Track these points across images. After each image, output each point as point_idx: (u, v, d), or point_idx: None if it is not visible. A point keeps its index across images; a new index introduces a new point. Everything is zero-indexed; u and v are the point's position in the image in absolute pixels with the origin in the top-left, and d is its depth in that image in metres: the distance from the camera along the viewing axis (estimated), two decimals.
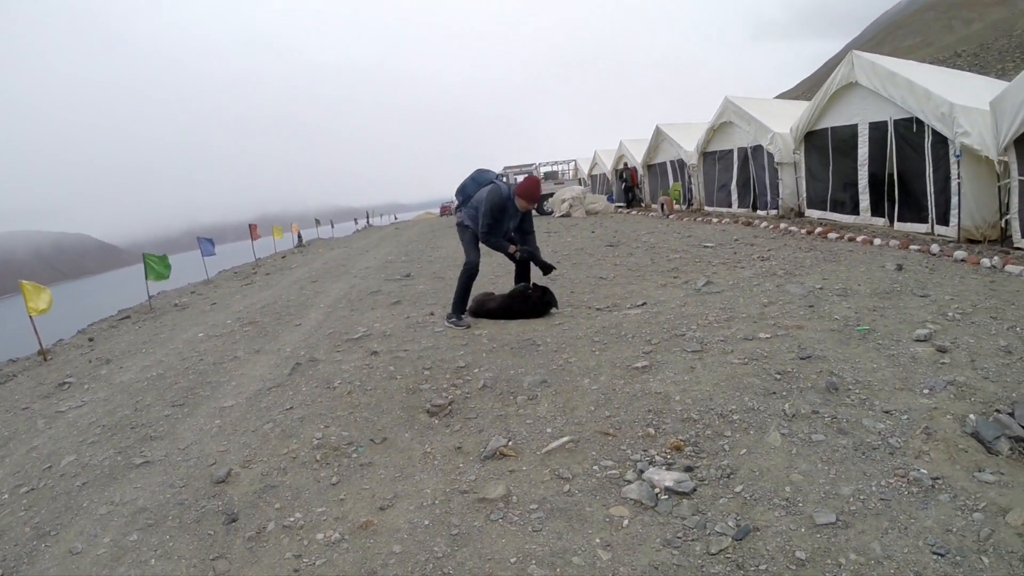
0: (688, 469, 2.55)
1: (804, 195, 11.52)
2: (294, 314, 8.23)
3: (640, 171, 21.04)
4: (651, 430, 2.94)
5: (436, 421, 3.51)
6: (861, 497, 2.21)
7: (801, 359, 3.56)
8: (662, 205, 16.78)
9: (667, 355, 3.97)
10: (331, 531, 2.58)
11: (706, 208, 15.99)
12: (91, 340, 10.12)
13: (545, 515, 2.41)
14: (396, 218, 64.28)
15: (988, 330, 3.85)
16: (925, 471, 2.30)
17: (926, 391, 2.97)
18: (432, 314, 6.48)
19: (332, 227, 42.32)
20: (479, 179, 5.83)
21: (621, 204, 22.01)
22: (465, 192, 5.86)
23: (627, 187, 20.75)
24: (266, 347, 6.47)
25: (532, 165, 24.93)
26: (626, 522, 2.29)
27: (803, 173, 11.44)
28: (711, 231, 10.91)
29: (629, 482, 2.55)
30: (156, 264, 12.54)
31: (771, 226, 10.47)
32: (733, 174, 14.30)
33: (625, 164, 20.95)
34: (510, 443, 3.03)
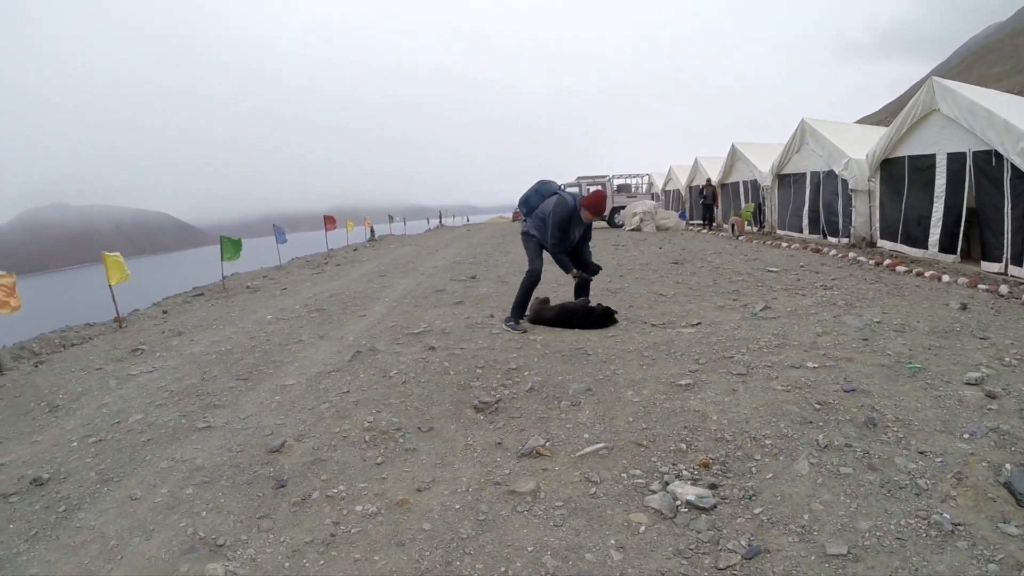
0: (712, 487, 2.71)
1: (877, 225, 11.23)
2: (360, 305, 8.76)
3: (717, 191, 20.95)
4: (683, 445, 3.11)
5: (481, 417, 3.80)
6: (878, 534, 2.32)
7: (845, 391, 3.63)
8: (732, 226, 16.77)
9: (712, 375, 4.11)
10: (370, 504, 2.91)
11: (778, 232, 15.80)
12: (165, 312, 11.05)
13: (568, 513, 2.65)
14: (468, 220, 65.75)
15: None
16: (948, 516, 2.38)
17: (966, 435, 2.98)
18: (492, 316, 6.81)
19: (404, 224, 43.80)
20: (542, 191, 6.13)
21: (696, 222, 21.88)
22: (529, 203, 6.17)
23: (707, 204, 20.28)
24: (330, 334, 6.97)
25: (606, 176, 25.09)
26: (643, 528, 2.50)
27: (877, 202, 11.18)
28: (778, 256, 10.83)
29: (653, 492, 2.74)
30: (231, 246, 13.54)
31: (840, 255, 10.33)
32: (806, 199, 14.14)
33: (708, 180, 20.71)
34: (547, 443, 3.27)
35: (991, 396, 3.44)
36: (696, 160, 23.09)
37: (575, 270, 6.04)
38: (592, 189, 23.96)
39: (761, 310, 5.82)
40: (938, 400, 3.48)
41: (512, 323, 6.09)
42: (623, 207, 23.08)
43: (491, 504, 2.78)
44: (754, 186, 17.61)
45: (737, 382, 3.92)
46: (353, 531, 2.72)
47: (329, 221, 22.46)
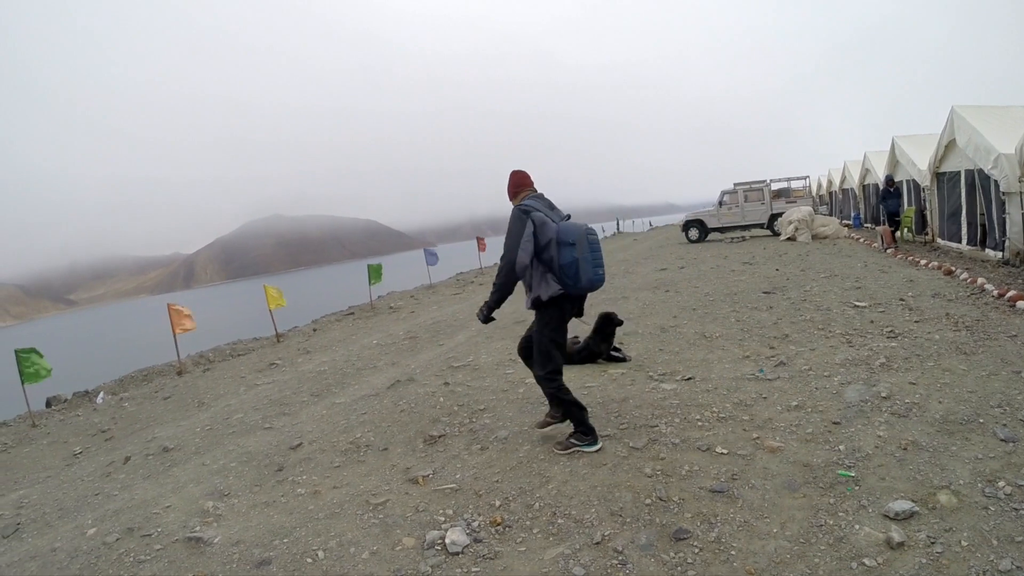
0: (477, 540, 3.58)
1: None
2: (447, 335, 10.77)
3: (881, 188, 19.93)
4: (497, 502, 4.02)
5: (422, 446, 5.33)
6: None
7: (711, 491, 3.75)
8: (881, 236, 15.84)
9: (610, 442, 4.71)
10: (302, 489, 4.79)
11: (938, 241, 14.76)
12: (315, 330, 14.18)
13: (378, 521, 4.13)
14: (651, 224, 65.37)
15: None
16: None
17: None
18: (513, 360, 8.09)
19: None
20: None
21: (868, 225, 20.97)
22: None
23: (890, 208, 17.73)
24: (400, 362, 9.05)
25: (763, 182, 24.86)
26: (399, 548, 3.88)
27: None
28: (901, 279, 10.33)
29: (438, 528, 3.78)
30: (375, 272, 16.54)
31: (971, 279, 9.55)
32: (962, 202, 13.07)
33: (889, 177, 19.33)
34: (430, 475, 4.67)
35: (895, 547, 3.02)
36: (866, 155, 22.17)
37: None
38: (746, 194, 23.94)
39: (775, 366, 6.12)
40: (814, 530, 3.27)
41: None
42: (781, 214, 22.85)
43: (353, 506, 4.32)
44: (916, 187, 16.61)
45: (620, 455, 4.42)
46: (283, 500, 4.66)
47: (481, 243, 25.31)
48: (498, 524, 3.79)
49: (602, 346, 7.19)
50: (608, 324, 7.19)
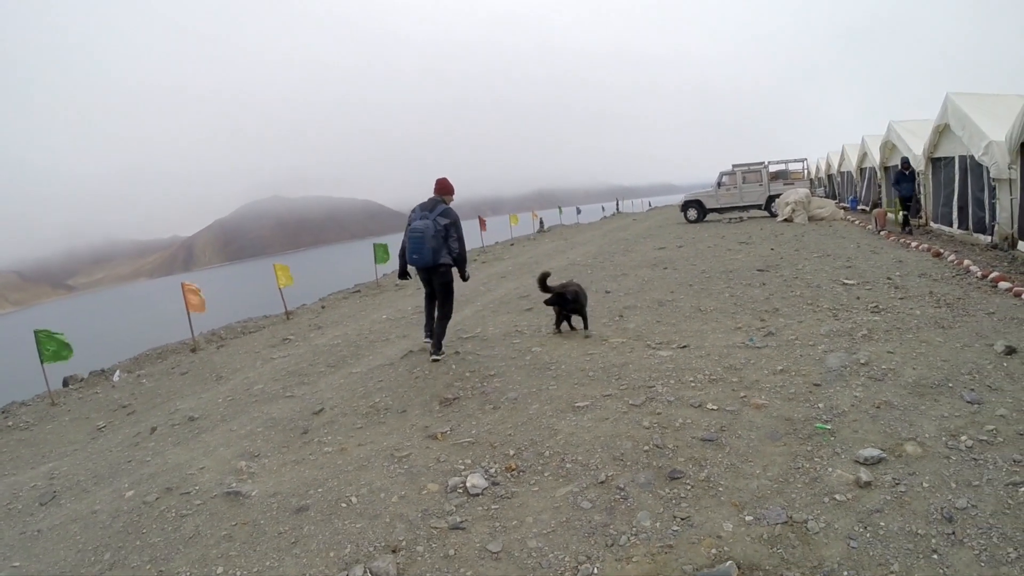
0: (495, 483, 4.11)
1: (1017, 222, 10.54)
2: (455, 308, 11.12)
3: (879, 174, 20.27)
4: (511, 451, 4.51)
5: (438, 407, 5.82)
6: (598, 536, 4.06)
7: (703, 440, 4.20)
8: (875, 218, 16.36)
9: (612, 402, 5.17)
10: (329, 448, 5.23)
11: (931, 225, 15.19)
12: (323, 308, 14.60)
13: (402, 471, 4.62)
14: (651, 205, 66.02)
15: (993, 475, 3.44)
16: None
17: (749, 519, 3.30)
18: (539, 331, 8.46)
19: (578, 213, 46.25)
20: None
21: (863, 208, 21.35)
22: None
23: (903, 193, 16.76)
24: (411, 334, 9.46)
25: (761, 163, 25.29)
26: (425, 492, 4.38)
27: (1018, 193, 10.41)
28: (886, 261, 10.70)
29: (458, 475, 4.26)
30: (382, 251, 16.96)
31: (958, 261, 10.00)
32: (955, 188, 13.54)
33: (905, 159, 18.52)
34: (448, 431, 5.15)
35: (863, 485, 3.43)
36: (863, 139, 22.64)
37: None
38: (746, 176, 24.70)
39: (764, 336, 6.59)
40: (792, 472, 3.67)
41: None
42: (778, 195, 23.32)
43: (379, 459, 4.79)
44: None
45: (621, 411, 4.88)
46: (312, 458, 5.09)
47: (481, 223, 25.73)
48: (513, 470, 4.26)
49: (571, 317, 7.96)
50: (561, 300, 7.78)
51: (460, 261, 7.19)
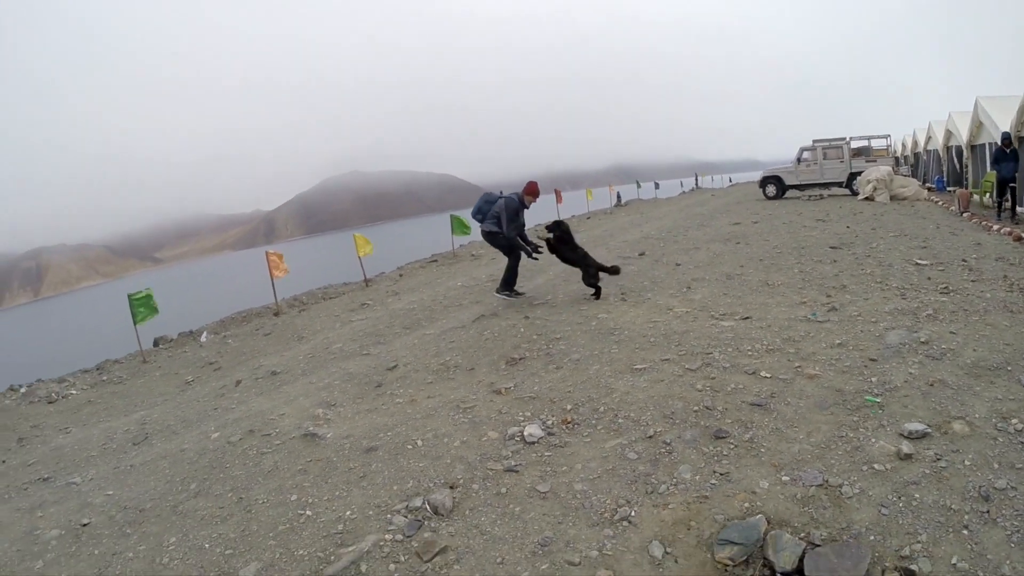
0: (550, 433, 4.39)
1: None
2: (525, 277, 11.39)
3: (965, 153, 19.07)
4: (569, 407, 4.78)
5: (504, 366, 6.15)
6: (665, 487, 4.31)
7: (752, 404, 4.30)
8: (958, 199, 15.48)
9: (670, 365, 5.32)
10: (400, 400, 5.66)
11: (1018, 209, 14.10)
12: (401, 276, 15.19)
13: (467, 420, 4.90)
14: (731, 181, 64.27)
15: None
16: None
17: (785, 478, 3.42)
18: (607, 299, 8.49)
19: (656, 188, 45.63)
20: (488, 199, 9.05)
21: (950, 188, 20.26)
22: (482, 211, 9.00)
23: (1003, 176, 14.79)
24: (484, 300, 9.84)
25: (843, 139, 24.22)
26: (484, 439, 4.69)
27: None
28: (964, 243, 10.18)
29: (517, 425, 4.58)
30: (459, 224, 17.42)
31: None
32: None
33: (1007, 135, 15.57)
34: (511, 387, 5.45)
35: (904, 457, 3.47)
36: (950, 115, 21.06)
37: (535, 254, 8.91)
38: (806, 155, 24.68)
39: (827, 311, 6.51)
40: (835, 440, 3.75)
41: (505, 293, 9.16)
42: (860, 172, 22.36)
43: (445, 410, 5.17)
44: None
45: (676, 374, 5.05)
46: (384, 408, 5.54)
47: (558, 196, 25.89)
48: (568, 423, 4.54)
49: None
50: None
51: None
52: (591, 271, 8.57)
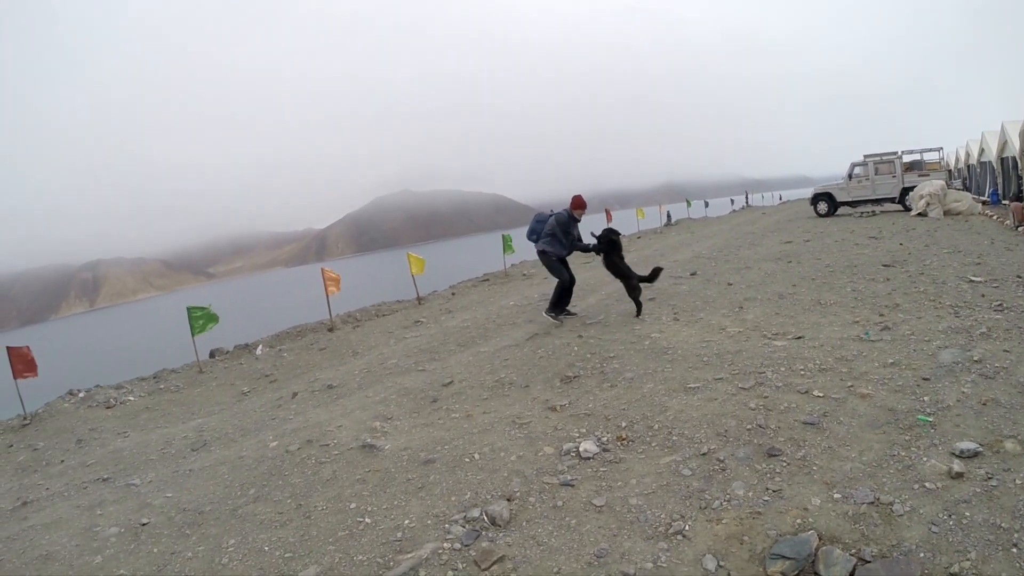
0: (605, 450, 4.49)
1: None
2: (578, 296, 11.47)
3: (1020, 164, 18.46)
4: (623, 423, 4.90)
5: (559, 384, 6.30)
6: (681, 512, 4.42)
7: (804, 423, 4.36)
8: (1012, 213, 14.95)
9: (723, 384, 5.40)
10: (457, 415, 5.88)
11: None
12: (453, 294, 15.51)
13: (523, 435, 5.11)
14: (781, 198, 63.23)
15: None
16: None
17: (837, 496, 3.47)
18: (660, 319, 8.50)
19: (706, 206, 45.27)
20: (540, 219, 9.39)
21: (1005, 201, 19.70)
22: (536, 232, 9.31)
23: None
24: (537, 319, 10.01)
25: (895, 154, 23.72)
26: (541, 455, 4.88)
27: None
28: (1019, 259, 9.88)
29: (572, 441, 4.73)
30: (510, 243, 17.73)
31: None
32: None
33: None
34: (566, 404, 5.61)
35: (955, 476, 3.50)
36: (1003, 126, 20.50)
37: (593, 246, 9.16)
38: (857, 170, 24.50)
39: (880, 331, 6.49)
40: (887, 458, 3.80)
41: (552, 314, 9.18)
42: (913, 187, 21.88)
43: (501, 425, 5.36)
44: None
45: (730, 393, 5.12)
46: (440, 422, 5.77)
47: (608, 216, 26.06)
48: (623, 440, 4.68)
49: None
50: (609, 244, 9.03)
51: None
52: (633, 282, 8.87)
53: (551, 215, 9.18)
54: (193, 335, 12.52)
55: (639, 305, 8.82)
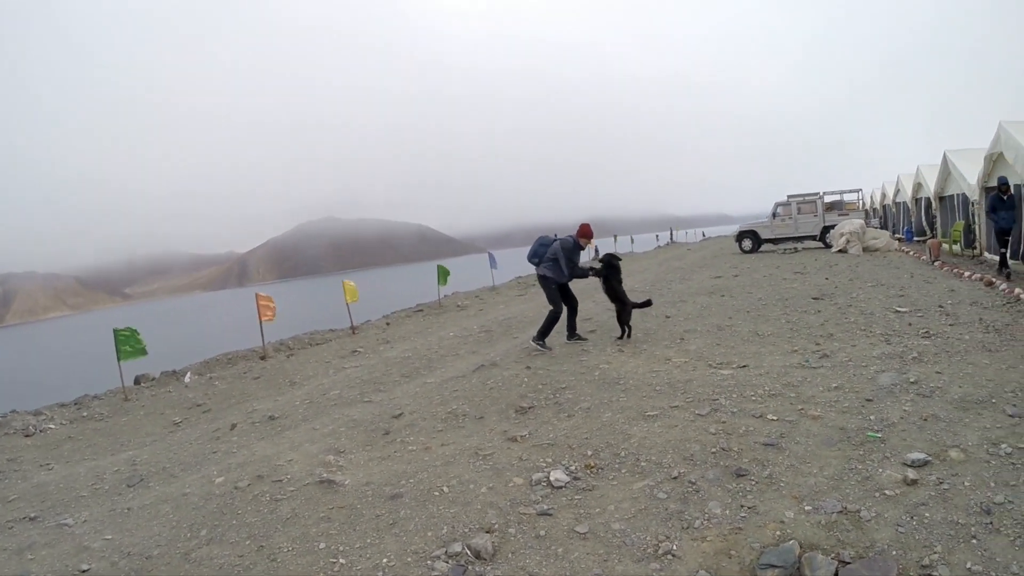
0: (575, 478, 4.53)
1: None
2: (519, 328, 11.71)
3: (934, 204, 20.38)
4: (590, 452, 4.98)
5: (514, 415, 6.29)
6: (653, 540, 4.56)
7: (764, 444, 4.61)
8: (929, 249, 16.43)
9: (679, 412, 5.60)
10: (414, 448, 5.78)
11: (986, 255, 15.15)
12: (388, 324, 15.37)
13: (487, 467, 5.03)
14: (704, 235, 66.20)
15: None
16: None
17: (807, 508, 3.74)
18: (604, 349, 8.74)
19: (632, 242, 46.61)
20: (543, 242, 9.35)
21: (919, 239, 21.70)
22: (538, 255, 9.24)
23: (1001, 225, 13.18)
24: (480, 351, 10.06)
25: (816, 195, 25.56)
26: (511, 486, 4.84)
27: None
28: (938, 290, 10.84)
29: (541, 471, 4.76)
30: (444, 274, 17.75)
31: (1009, 290, 10.05)
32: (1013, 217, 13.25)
33: (1002, 182, 13.63)
34: (526, 435, 5.63)
35: (910, 483, 3.86)
36: (918, 168, 23.00)
37: (592, 271, 9.32)
38: (779, 211, 25.90)
39: (819, 358, 6.94)
40: (846, 472, 4.11)
41: (539, 343, 9.09)
42: (833, 226, 23.58)
43: (463, 457, 5.32)
44: (965, 201, 17.06)
45: (688, 419, 5.34)
46: (398, 455, 5.66)
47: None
48: (591, 467, 4.76)
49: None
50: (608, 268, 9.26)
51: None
52: (627, 308, 9.15)
53: (555, 239, 9.23)
54: (120, 360, 11.83)
55: (627, 330, 9.16)
